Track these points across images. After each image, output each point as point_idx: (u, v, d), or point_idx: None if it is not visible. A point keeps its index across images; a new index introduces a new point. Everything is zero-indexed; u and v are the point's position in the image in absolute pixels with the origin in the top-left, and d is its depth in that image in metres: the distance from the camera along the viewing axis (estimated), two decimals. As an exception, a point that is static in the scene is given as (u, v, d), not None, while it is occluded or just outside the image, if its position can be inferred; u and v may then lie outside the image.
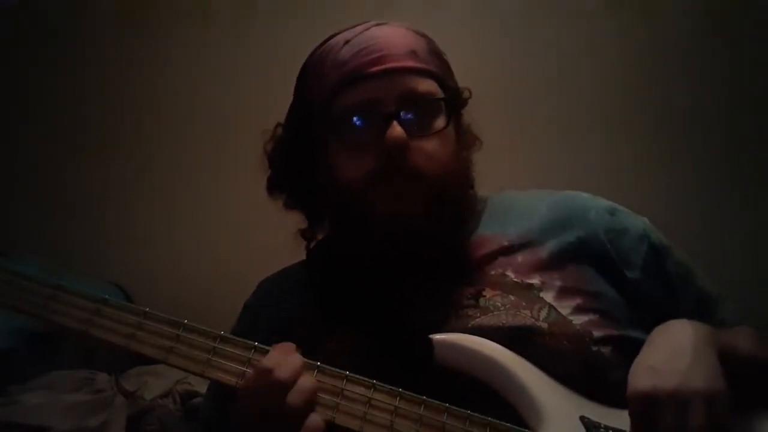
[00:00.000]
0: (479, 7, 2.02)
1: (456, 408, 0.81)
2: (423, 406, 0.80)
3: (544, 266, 0.95)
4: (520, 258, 0.96)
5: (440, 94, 0.96)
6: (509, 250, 0.97)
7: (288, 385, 0.76)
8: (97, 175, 2.19)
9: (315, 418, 0.77)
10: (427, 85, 0.94)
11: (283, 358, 0.78)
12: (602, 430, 0.83)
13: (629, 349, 0.88)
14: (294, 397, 0.76)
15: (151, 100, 2.18)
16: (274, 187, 1.06)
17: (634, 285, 0.95)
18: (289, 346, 0.81)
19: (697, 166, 1.94)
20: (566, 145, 1.99)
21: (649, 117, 1.97)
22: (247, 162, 1.95)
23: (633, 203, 1.05)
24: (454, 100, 0.99)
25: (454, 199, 0.95)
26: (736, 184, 1.92)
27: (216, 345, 0.79)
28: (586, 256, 0.96)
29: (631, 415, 0.78)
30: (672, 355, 0.80)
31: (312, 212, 1.05)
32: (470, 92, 1.03)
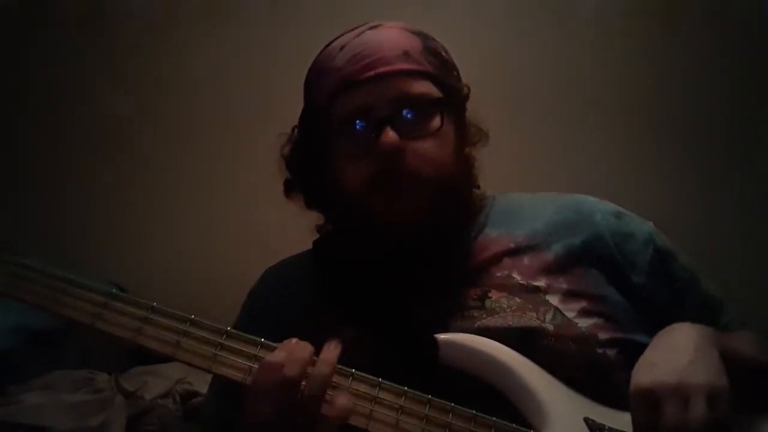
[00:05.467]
0: (479, 6, 2.03)
1: (461, 408, 0.81)
2: (428, 405, 0.80)
3: (550, 269, 0.95)
4: (526, 260, 0.96)
5: (436, 93, 0.95)
6: (515, 252, 0.97)
7: (299, 379, 0.75)
8: (97, 175, 2.19)
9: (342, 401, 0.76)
10: (420, 86, 0.94)
11: (292, 354, 0.77)
12: (606, 431, 0.83)
13: (634, 353, 0.88)
14: (312, 388, 0.75)
15: (150, 100, 2.19)
16: (290, 189, 1.07)
17: (639, 289, 0.95)
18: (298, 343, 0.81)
19: (697, 167, 1.95)
20: (565, 146, 2.00)
21: (648, 118, 1.98)
22: (245, 160, 1.95)
23: (631, 205, 1.05)
24: (452, 99, 0.99)
25: (455, 199, 0.95)
26: (735, 184, 1.93)
27: (223, 341, 0.79)
28: (591, 259, 0.96)
29: (632, 410, 0.78)
30: (673, 352, 0.80)
31: (328, 211, 1.05)
32: (469, 88, 1.04)
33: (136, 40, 2.20)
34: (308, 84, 1.03)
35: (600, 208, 1.01)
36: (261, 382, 0.76)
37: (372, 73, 0.93)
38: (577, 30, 2.01)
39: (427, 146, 0.92)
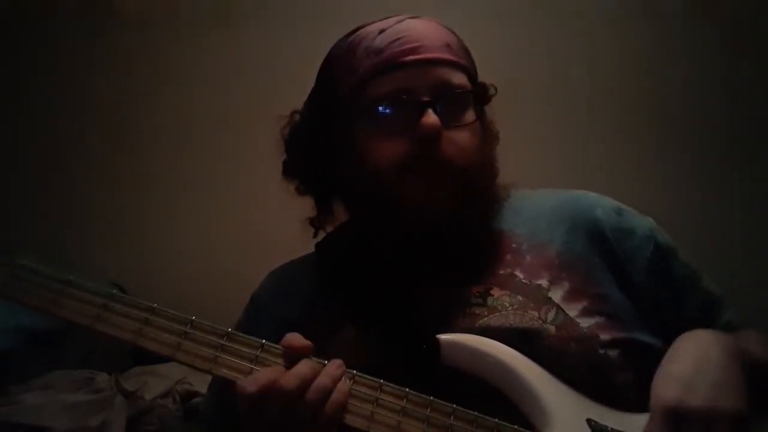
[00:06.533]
0: (479, 6, 2.03)
1: (463, 409, 0.81)
2: (430, 407, 0.80)
3: (552, 267, 0.95)
4: (528, 258, 0.96)
5: (470, 87, 0.97)
6: (518, 250, 0.97)
7: (297, 394, 0.75)
8: (96, 175, 2.19)
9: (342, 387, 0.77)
10: (459, 78, 0.95)
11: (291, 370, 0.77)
12: (608, 432, 0.83)
13: (636, 353, 0.89)
14: (312, 397, 0.75)
15: (150, 100, 2.19)
16: (288, 172, 1.06)
17: (639, 285, 0.95)
18: (300, 343, 0.81)
19: (697, 167, 1.95)
20: (564, 145, 2.00)
21: (648, 116, 1.97)
22: (245, 160, 1.95)
23: (631, 204, 1.05)
24: (482, 95, 1.01)
25: (481, 192, 0.95)
26: (735, 183, 1.93)
27: (224, 342, 0.79)
28: (592, 256, 0.96)
29: (652, 424, 0.78)
30: (699, 368, 0.80)
31: (323, 200, 1.05)
32: (495, 89, 1.04)
33: (137, 40, 2.19)
34: (331, 64, 1.01)
35: (601, 203, 1.01)
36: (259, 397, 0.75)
37: (417, 57, 0.93)
38: (577, 29, 2.00)
39: (461, 137, 0.93)
